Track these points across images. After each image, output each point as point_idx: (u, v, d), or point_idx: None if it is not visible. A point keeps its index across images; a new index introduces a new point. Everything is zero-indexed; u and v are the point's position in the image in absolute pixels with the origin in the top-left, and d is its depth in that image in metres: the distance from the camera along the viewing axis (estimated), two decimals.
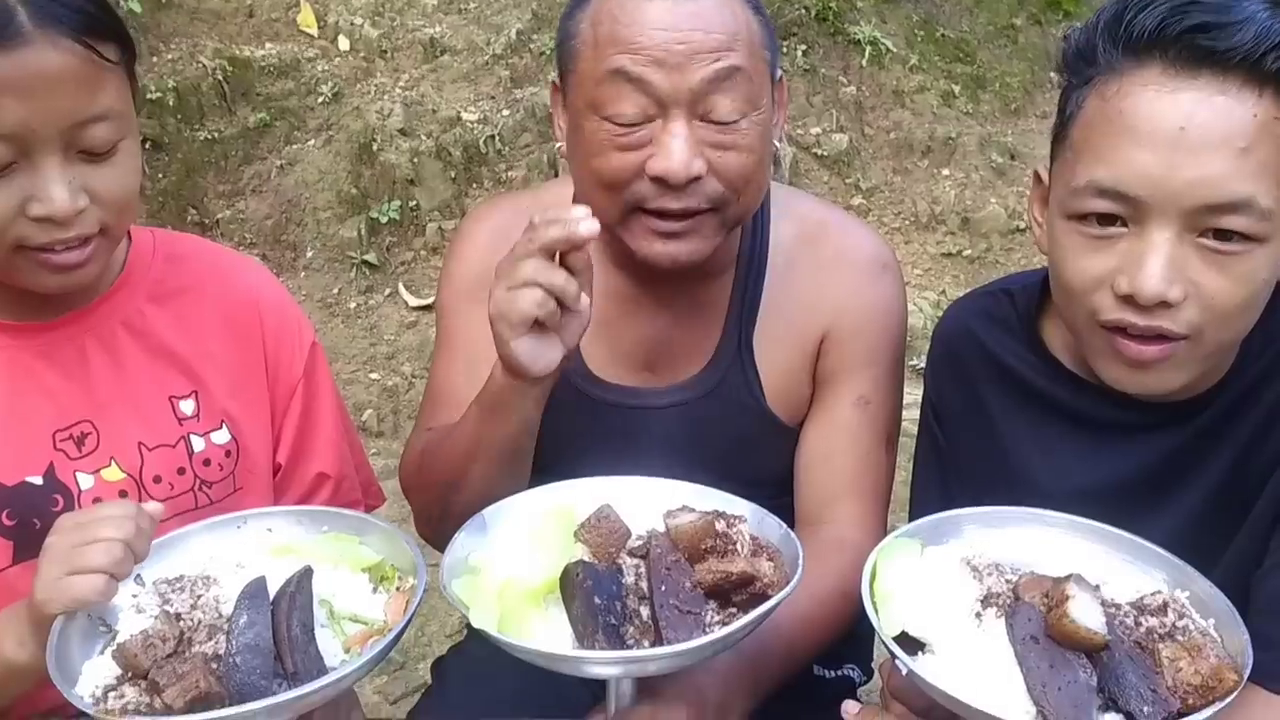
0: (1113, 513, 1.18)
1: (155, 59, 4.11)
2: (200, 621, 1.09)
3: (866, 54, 4.73)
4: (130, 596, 1.11)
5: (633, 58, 1.24)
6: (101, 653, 1.08)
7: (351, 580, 1.16)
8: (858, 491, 1.44)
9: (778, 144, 4.31)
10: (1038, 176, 1.23)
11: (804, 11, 4.68)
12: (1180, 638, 1.05)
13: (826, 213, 1.56)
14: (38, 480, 1.30)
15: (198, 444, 1.37)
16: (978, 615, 1.06)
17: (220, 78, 4.16)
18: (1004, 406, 1.35)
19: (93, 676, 1.05)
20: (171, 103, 4.03)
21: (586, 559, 1.10)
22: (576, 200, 1.39)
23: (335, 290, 4.05)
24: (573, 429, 1.46)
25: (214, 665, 1.03)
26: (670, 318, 1.47)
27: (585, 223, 1.13)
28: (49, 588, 1.06)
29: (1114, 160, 1.07)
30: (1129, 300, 1.09)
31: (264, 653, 1.03)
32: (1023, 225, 4.43)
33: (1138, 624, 1.07)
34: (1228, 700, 0.98)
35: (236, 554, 1.18)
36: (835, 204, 1.68)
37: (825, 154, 4.52)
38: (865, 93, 4.70)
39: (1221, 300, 1.09)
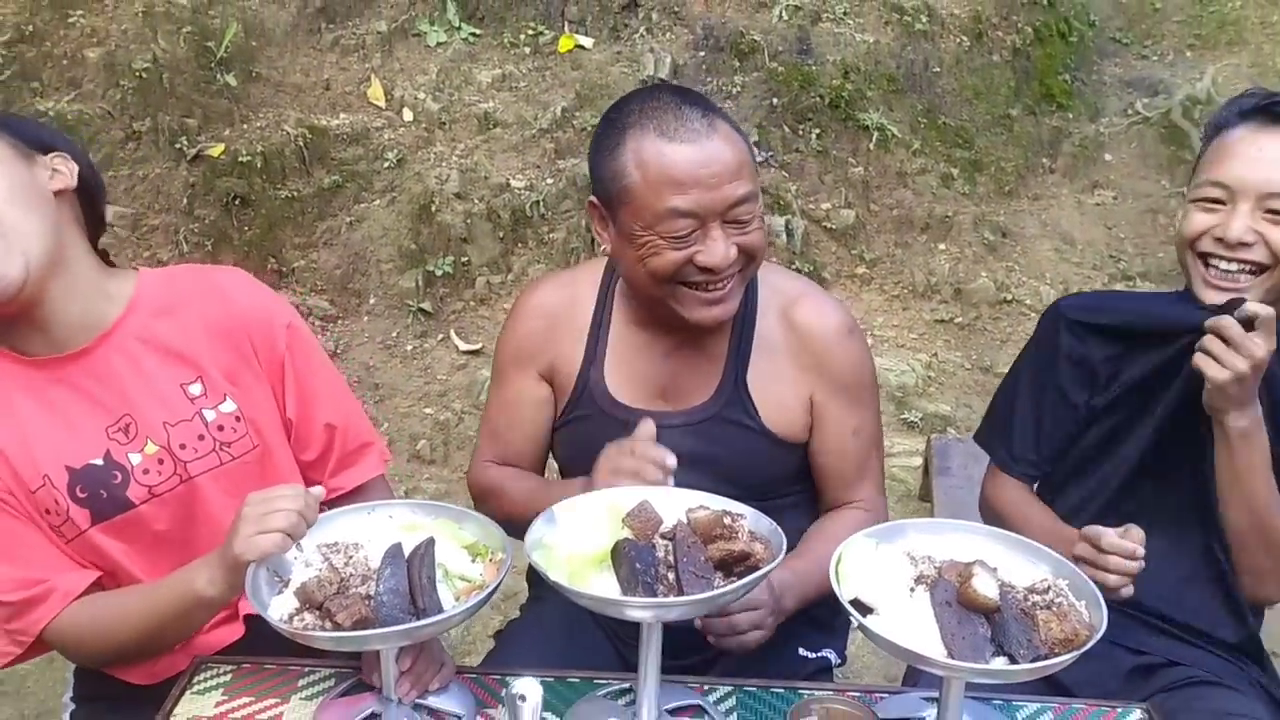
0: None
1: (245, 126, 4.37)
2: (353, 573, 1.40)
3: (874, 138, 4.88)
4: (294, 557, 1.41)
5: (683, 197, 1.57)
6: (279, 593, 1.37)
7: (457, 552, 1.46)
8: (863, 481, 1.83)
9: (791, 217, 4.72)
10: (1183, 210, 1.79)
11: (819, 99, 4.86)
12: (1053, 608, 1.36)
13: (798, 285, 1.86)
14: (99, 462, 1.56)
15: (210, 415, 1.62)
16: (911, 589, 1.39)
17: (300, 144, 4.38)
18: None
19: (278, 608, 1.35)
20: (258, 165, 4.28)
21: (631, 538, 1.40)
22: (628, 278, 1.75)
23: (394, 334, 4.24)
24: (603, 442, 1.71)
25: (368, 601, 1.33)
26: (678, 360, 1.78)
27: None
28: (244, 543, 1.35)
29: (1219, 168, 1.71)
30: (1220, 241, 1.67)
31: (402, 594, 1.34)
32: (1009, 297, 4.62)
33: (1026, 598, 1.38)
34: (1083, 649, 1.30)
35: (369, 530, 1.49)
36: (801, 276, 2.08)
37: (834, 227, 4.69)
38: (872, 173, 4.85)
39: (1276, 243, 1.65)
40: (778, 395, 1.78)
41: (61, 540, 1.59)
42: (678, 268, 1.63)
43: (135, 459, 1.58)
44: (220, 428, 1.63)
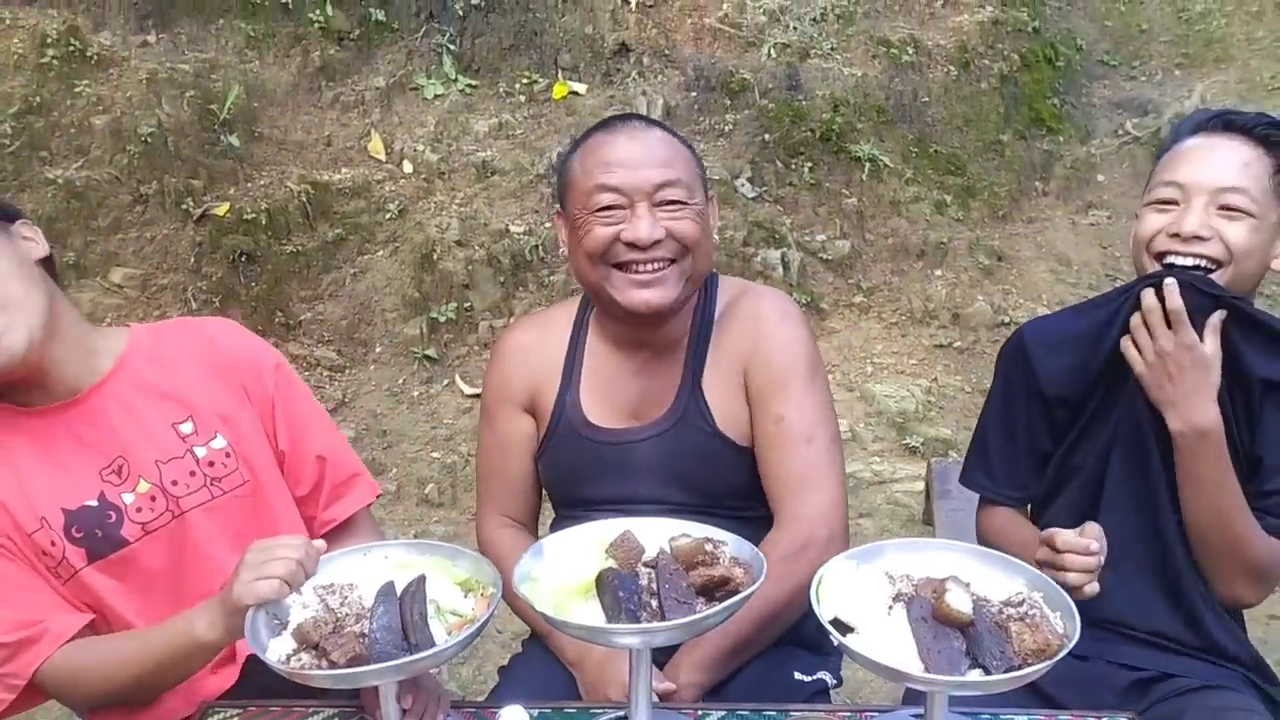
0: None
1: (249, 185, 4.46)
2: (349, 612, 1.42)
3: (866, 169, 4.96)
4: (291, 600, 1.44)
5: (610, 175, 1.72)
6: (278, 635, 1.40)
7: (450, 588, 1.49)
8: (792, 490, 1.77)
9: (787, 250, 4.78)
10: (1139, 216, 1.82)
11: (810, 133, 4.95)
12: (1026, 620, 1.38)
13: (746, 285, 1.93)
14: (94, 503, 1.63)
15: (200, 452, 1.69)
16: (889, 608, 1.40)
17: (304, 199, 4.48)
18: None
19: (275, 649, 1.38)
20: (263, 221, 4.36)
21: (614, 567, 1.43)
22: (575, 271, 1.82)
23: (400, 381, 4.30)
24: (581, 464, 1.85)
25: (362, 639, 1.36)
26: (646, 377, 1.85)
27: None
28: (243, 588, 1.39)
29: (1173, 171, 1.74)
30: (1175, 237, 1.68)
31: (395, 631, 1.37)
32: (1007, 320, 4.63)
33: (1000, 612, 1.40)
34: (1056, 659, 1.32)
35: (365, 571, 1.52)
36: (751, 282, 1.97)
37: (830, 258, 4.75)
38: (865, 203, 4.92)
39: (1233, 240, 1.67)
40: (727, 395, 1.82)
41: (57, 581, 1.65)
42: (607, 244, 1.73)
43: (129, 498, 1.65)
44: (211, 463, 1.70)
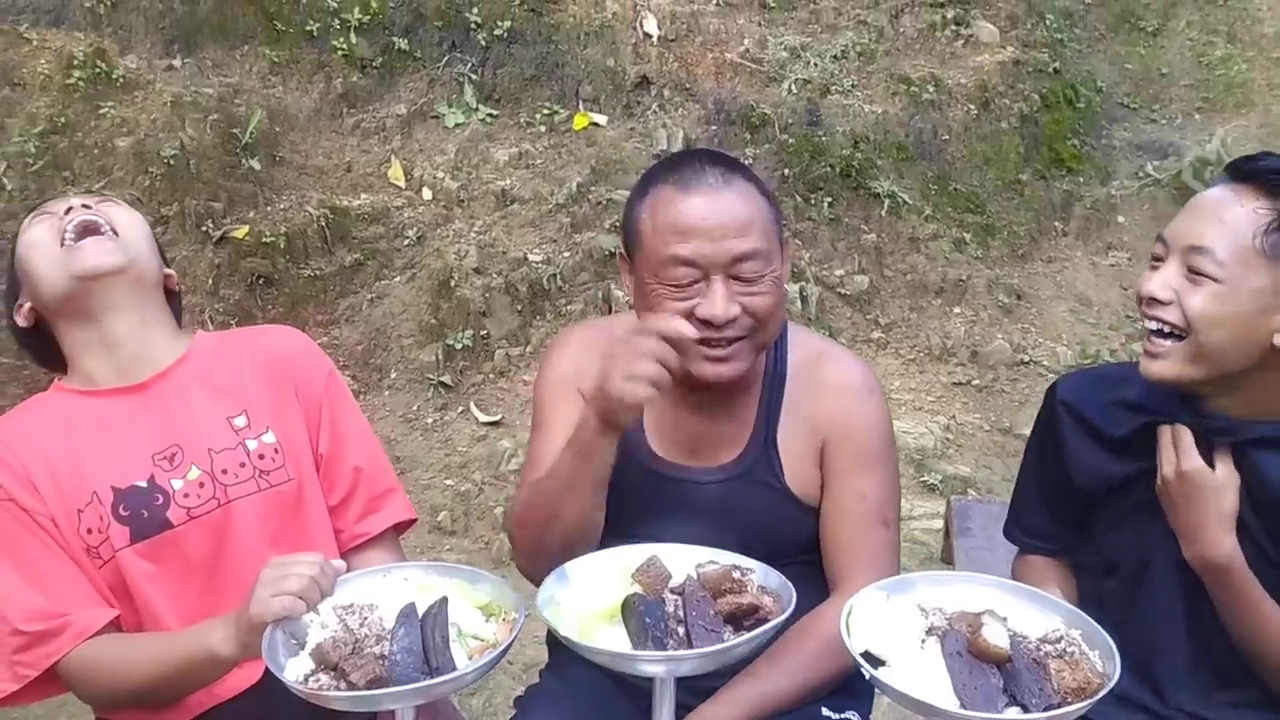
0: None
1: (270, 208, 4.50)
2: (369, 634, 1.40)
3: (885, 206, 4.97)
4: (310, 620, 1.43)
5: (683, 245, 1.61)
6: (295, 655, 1.39)
7: (471, 612, 1.47)
8: (859, 565, 1.72)
9: (806, 284, 4.75)
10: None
11: (830, 169, 4.98)
12: (1065, 657, 1.36)
13: (825, 346, 1.90)
14: (143, 484, 1.68)
15: (252, 445, 1.74)
16: (922, 641, 1.38)
17: (323, 224, 4.51)
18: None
19: (293, 670, 1.37)
20: (282, 245, 4.40)
21: (640, 593, 1.43)
22: None
23: (415, 407, 4.30)
24: (639, 496, 1.77)
25: (382, 660, 1.34)
26: (710, 415, 1.78)
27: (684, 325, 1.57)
28: (260, 604, 1.41)
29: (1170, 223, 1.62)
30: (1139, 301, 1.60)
31: (416, 654, 1.36)
32: (1026, 358, 4.65)
33: (1038, 648, 1.37)
34: (1097, 697, 1.29)
35: (385, 591, 1.52)
36: (829, 339, 2.05)
37: (848, 293, 4.76)
38: (884, 239, 4.93)
39: (1189, 307, 1.53)
40: (800, 455, 1.78)
41: (97, 562, 1.66)
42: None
43: (177, 484, 1.69)
44: (261, 456, 1.75)
